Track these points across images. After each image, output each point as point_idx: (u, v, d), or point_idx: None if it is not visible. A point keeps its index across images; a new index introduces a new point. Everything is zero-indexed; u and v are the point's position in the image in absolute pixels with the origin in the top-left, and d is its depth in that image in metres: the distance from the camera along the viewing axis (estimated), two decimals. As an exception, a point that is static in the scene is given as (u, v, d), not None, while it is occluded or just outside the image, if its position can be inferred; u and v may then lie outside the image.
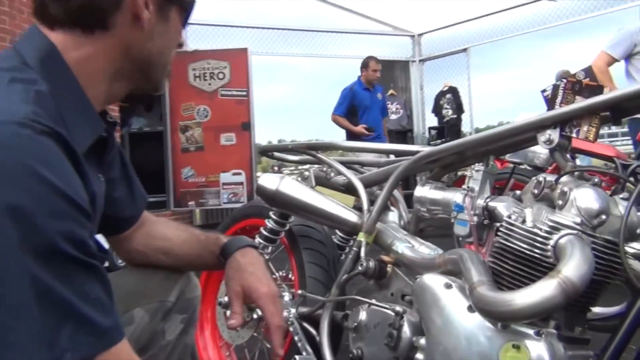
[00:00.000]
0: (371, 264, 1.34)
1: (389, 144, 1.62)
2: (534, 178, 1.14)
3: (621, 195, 1.14)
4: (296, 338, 1.43)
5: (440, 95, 7.89)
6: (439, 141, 7.08)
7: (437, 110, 8.00)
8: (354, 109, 5.74)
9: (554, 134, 1.13)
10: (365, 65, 5.81)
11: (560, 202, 1.05)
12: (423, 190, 1.38)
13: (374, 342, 1.25)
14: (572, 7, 6.74)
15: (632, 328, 0.95)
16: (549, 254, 1.01)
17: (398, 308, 1.20)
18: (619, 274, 1.04)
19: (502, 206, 1.21)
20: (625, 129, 5.67)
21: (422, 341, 1.13)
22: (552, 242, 1.01)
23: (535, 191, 1.10)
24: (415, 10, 8.00)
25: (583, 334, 1.08)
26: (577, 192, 1.03)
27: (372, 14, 8.19)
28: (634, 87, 1.05)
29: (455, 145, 1.33)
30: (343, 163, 1.63)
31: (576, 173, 1.10)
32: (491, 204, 1.24)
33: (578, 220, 1.01)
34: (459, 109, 7.92)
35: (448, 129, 7.76)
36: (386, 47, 8.24)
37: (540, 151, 2.91)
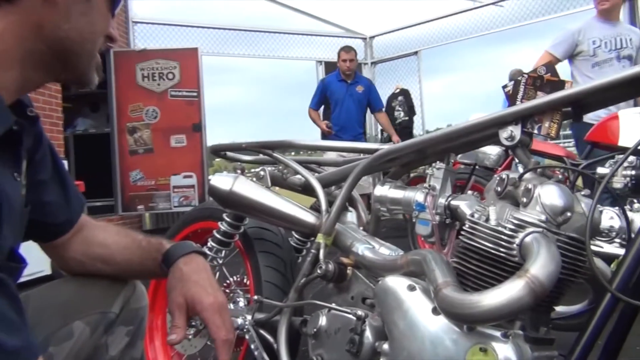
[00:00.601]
0: (330, 266, 1.29)
1: (347, 142, 1.56)
2: (496, 175, 1.11)
3: (583, 192, 1.13)
4: (252, 346, 1.36)
5: (392, 97, 7.94)
6: (391, 143, 7.11)
7: (389, 112, 8.04)
8: (328, 101, 5.45)
9: (515, 130, 1.11)
10: (338, 55, 5.57)
11: (524, 200, 1.02)
12: (383, 190, 1.34)
13: (334, 348, 1.19)
14: (519, 12, 6.93)
15: (600, 326, 0.93)
16: (514, 252, 0.98)
17: (359, 312, 1.15)
18: (584, 272, 1.03)
19: (465, 205, 1.18)
20: (568, 132, 5.85)
21: (385, 346, 1.09)
22: (517, 241, 0.98)
23: (498, 189, 1.07)
24: (367, 13, 8.07)
25: (547, 334, 1.05)
26: (542, 189, 1.01)
27: (325, 16, 8.19)
28: (596, 83, 1.03)
29: (415, 143, 1.29)
30: (300, 162, 1.57)
31: (539, 170, 1.08)
32: (453, 202, 1.21)
33: (543, 217, 0.99)
34: (410, 111, 7.99)
35: (400, 130, 7.82)
36: (338, 49, 8.24)
37: (490, 152, 2.94)
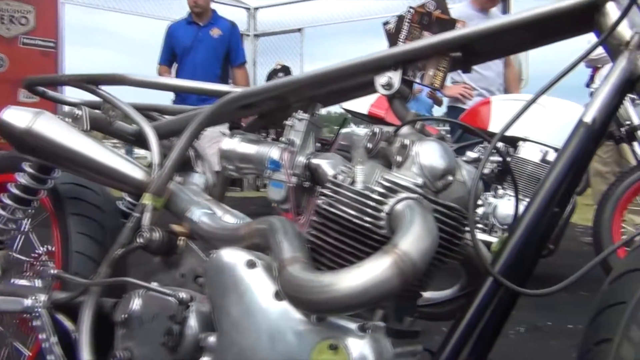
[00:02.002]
0: (156, 234, 1.01)
1: (195, 82, 1.27)
2: (367, 130, 0.90)
3: (464, 158, 0.94)
4: (42, 336, 1.04)
5: (273, 73, 7.71)
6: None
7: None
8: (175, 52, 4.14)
9: (394, 77, 0.90)
10: None
11: (398, 159, 0.81)
12: (232, 143, 1.08)
13: (148, 340, 0.91)
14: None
15: (479, 314, 0.76)
16: (382, 223, 0.77)
17: (183, 294, 0.88)
18: (459, 251, 0.85)
19: (327, 164, 0.95)
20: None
21: (212, 339, 0.83)
22: (386, 208, 0.77)
23: (369, 145, 0.85)
24: (253, -18, 7.72)
25: (413, 326, 0.86)
26: (420, 147, 0.81)
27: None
28: (490, 23, 0.85)
29: (273, 86, 1.04)
30: (139, 108, 1.25)
31: (417, 126, 0.87)
32: (314, 161, 0.98)
33: (419, 181, 0.79)
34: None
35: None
36: (220, 18, 7.80)
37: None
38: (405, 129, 0.86)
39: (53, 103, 1.75)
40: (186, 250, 1.04)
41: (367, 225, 0.77)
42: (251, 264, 0.83)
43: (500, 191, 2.70)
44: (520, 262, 0.79)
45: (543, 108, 2.62)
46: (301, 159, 0.99)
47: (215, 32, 4.07)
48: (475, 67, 3.56)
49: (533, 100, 0.82)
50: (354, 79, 0.98)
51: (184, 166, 1.30)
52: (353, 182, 0.83)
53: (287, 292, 0.73)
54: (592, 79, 3.99)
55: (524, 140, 2.68)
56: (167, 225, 1.06)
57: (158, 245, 1.01)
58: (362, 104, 3.43)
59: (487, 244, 2.69)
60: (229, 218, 1.09)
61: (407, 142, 0.81)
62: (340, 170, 0.88)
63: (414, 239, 0.69)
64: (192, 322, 0.87)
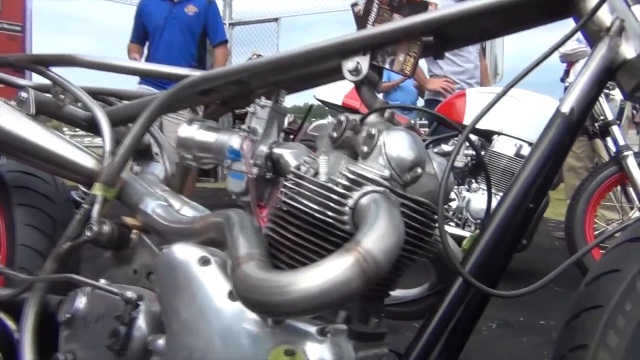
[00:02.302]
0: (105, 227, 0.94)
1: (151, 64, 1.20)
2: (333, 118, 0.84)
3: (436, 150, 0.89)
4: (-22, 337, 0.96)
5: (249, 62, 7.58)
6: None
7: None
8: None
9: (362, 63, 0.85)
10: None
11: (364, 149, 0.76)
12: (190, 130, 1.01)
13: (92, 342, 0.84)
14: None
15: (449, 315, 0.71)
16: (345, 218, 0.71)
17: (130, 293, 0.81)
18: (429, 249, 0.80)
19: (290, 154, 0.89)
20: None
21: (160, 342, 0.77)
22: (350, 202, 0.71)
23: (334, 134, 0.79)
24: (229, -31, 7.58)
25: (378, 327, 0.81)
26: (388, 137, 0.75)
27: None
28: (465, 5, 0.80)
29: (235, 69, 0.98)
30: (92, 91, 1.17)
31: (386, 115, 0.82)
32: (276, 150, 0.91)
33: (386, 173, 0.73)
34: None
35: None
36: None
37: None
38: (373, 118, 0.80)
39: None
40: (139, 244, 0.98)
41: (330, 220, 0.71)
42: (204, 261, 0.77)
43: (474, 185, 2.67)
44: (492, 261, 0.74)
45: (518, 102, 2.60)
46: (263, 149, 0.93)
47: (191, 9, 3.73)
48: (455, 60, 3.50)
49: (506, 91, 0.77)
50: (320, 64, 0.92)
51: (143, 155, 1.23)
52: (316, 174, 0.77)
53: (240, 292, 0.67)
54: (567, 73, 4.00)
55: (499, 134, 2.65)
56: (119, 218, 0.99)
57: (108, 239, 0.94)
58: (335, 95, 3.37)
59: (460, 239, 2.67)
60: (187, 210, 1.03)
61: (374, 131, 0.75)
62: (303, 161, 0.82)
63: (378, 237, 0.63)
64: (141, 323, 0.80)
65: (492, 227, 0.72)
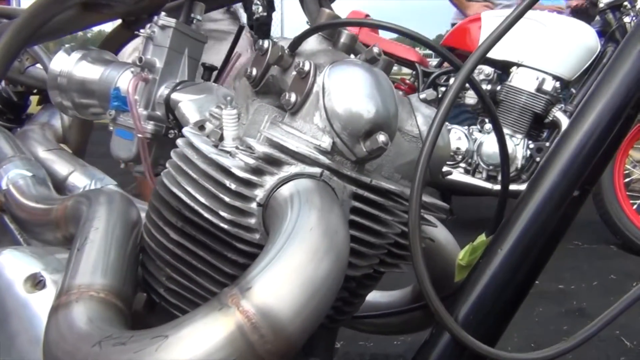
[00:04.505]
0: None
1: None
2: (260, 42, 0.51)
3: (421, 95, 0.57)
4: None
5: None
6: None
7: (245, 5, 7.17)
8: None
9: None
10: None
11: (292, 99, 0.44)
12: (66, 63, 0.69)
13: None
14: None
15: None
16: (252, 221, 0.41)
17: None
18: (405, 254, 0.49)
19: (190, 103, 0.57)
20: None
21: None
22: (260, 195, 0.41)
23: (254, 71, 0.47)
24: None
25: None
26: (331, 76, 0.43)
27: None
28: None
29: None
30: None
31: (343, 40, 0.49)
32: (175, 96, 0.60)
33: (326, 142, 0.42)
34: (270, 6, 7.17)
35: (257, 27, 7.03)
36: None
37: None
38: (312, 43, 0.48)
39: None
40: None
41: (224, 225, 0.41)
42: (35, 283, 0.47)
43: (487, 125, 2.32)
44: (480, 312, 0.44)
45: (543, 27, 2.20)
46: (162, 93, 0.61)
47: None
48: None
49: (525, 11, 0.45)
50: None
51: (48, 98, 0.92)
52: (222, 139, 0.46)
53: (46, 351, 0.38)
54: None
55: (518, 65, 2.27)
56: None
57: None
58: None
59: (469, 189, 2.34)
60: (78, 179, 0.73)
61: (307, 66, 0.43)
62: (210, 113, 0.51)
63: (287, 274, 0.33)
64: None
65: (508, 239, 0.41)
